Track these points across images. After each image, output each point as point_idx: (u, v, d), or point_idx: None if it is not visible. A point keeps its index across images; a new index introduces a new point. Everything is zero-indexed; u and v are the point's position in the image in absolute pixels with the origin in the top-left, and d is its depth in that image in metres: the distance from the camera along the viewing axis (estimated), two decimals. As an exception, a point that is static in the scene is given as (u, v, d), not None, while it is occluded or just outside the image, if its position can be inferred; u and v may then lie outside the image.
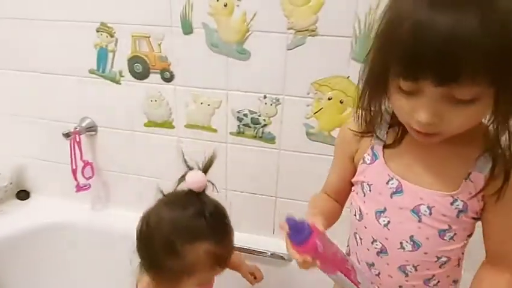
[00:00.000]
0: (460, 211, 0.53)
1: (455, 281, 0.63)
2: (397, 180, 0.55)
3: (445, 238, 0.55)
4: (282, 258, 1.03)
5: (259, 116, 0.95)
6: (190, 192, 0.67)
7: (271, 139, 0.97)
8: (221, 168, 1.04)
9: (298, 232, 0.49)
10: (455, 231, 0.55)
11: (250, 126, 0.97)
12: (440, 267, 0.58)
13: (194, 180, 0.66)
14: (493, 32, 0.39)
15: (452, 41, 0.39)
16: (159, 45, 0.94)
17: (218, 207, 0.69)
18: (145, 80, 0.99)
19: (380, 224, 0.58)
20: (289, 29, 0.85)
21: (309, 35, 0.84)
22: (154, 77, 0.98)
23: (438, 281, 0.60)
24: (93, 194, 1.17)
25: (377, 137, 0.58)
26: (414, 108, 0.45)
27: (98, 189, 1.17)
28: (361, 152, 0.61)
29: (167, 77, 0.97)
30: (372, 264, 0.62)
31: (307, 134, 0.94)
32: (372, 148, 0.58)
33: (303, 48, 0.86)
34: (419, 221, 0.55)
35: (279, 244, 1.06)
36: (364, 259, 0.63)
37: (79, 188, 1.11)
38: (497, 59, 0.39)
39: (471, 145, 0.51)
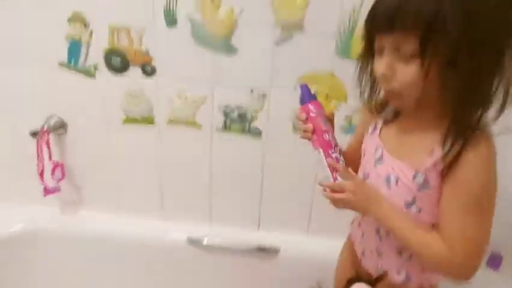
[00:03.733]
0: (422, 186, 0.56)
1: None
2: (381, 149, 0.62)
3: (412, 210, 0.58)
4: (274, 251, 1.04)
5: (246, 110, 0.95)
6: None
7: (257, 133, 0.98)
8: (205, 164, 1.03)
9: (304, 96, 0.64)
10: (420, 205, 0.58)
11: (237, 121, 0.96)
12: None
13: None
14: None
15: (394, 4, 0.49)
16: (140, 38, 0.89)
17: None
18: (123, 73, 0.93)
19: None
20: (276, 24, 0.86)
21: (297, 31, 0.86)
22: (134, 71, 0.93)
23: (411, 255, 0.62)
24: (63, 197, 1.08)
25: (384, 114, 0.65)
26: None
27: (69, 192, 1.09)
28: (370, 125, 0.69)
29: (149, 71, 0.92)
30: (360, 225, 0.70)
31: (294, 127, 0.96)
32: (376, 122, 0.67)
33: (290, 43, 0.88)
34: (389, 188, 0.60)
35: (264, 237, 1.07)
36: (359, 217, 0.71)
37: (47, 191, 1.02)
38: (426, 21, 0.47)
39: (440, 125, 0.54)
